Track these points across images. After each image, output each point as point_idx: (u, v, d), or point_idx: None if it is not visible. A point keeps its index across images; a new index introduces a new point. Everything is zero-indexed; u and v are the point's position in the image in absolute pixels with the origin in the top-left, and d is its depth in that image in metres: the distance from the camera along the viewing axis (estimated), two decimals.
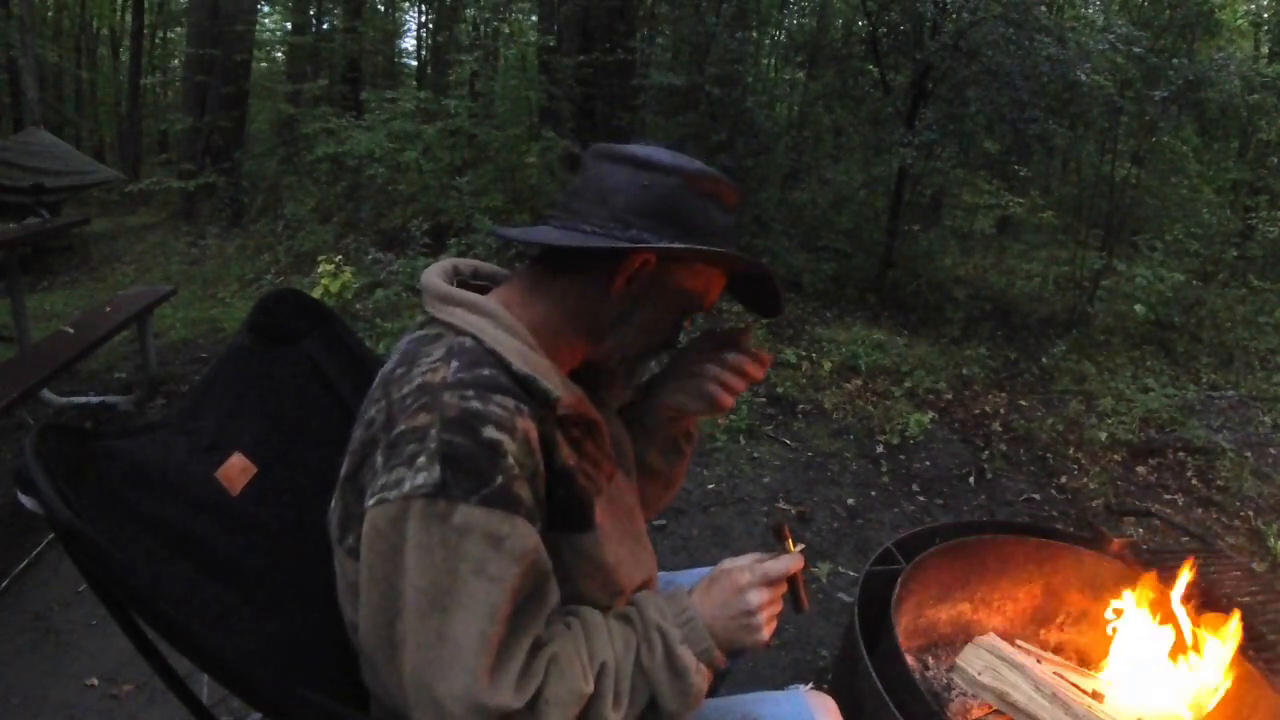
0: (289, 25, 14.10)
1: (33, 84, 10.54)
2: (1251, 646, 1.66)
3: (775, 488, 3.20)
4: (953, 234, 7.74)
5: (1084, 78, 5.47)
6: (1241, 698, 1.53)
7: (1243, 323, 6.34)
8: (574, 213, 0.89)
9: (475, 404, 0.75)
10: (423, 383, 0.78)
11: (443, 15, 14.30)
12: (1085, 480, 3.47)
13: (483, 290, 0.94)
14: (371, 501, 0.76)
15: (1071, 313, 6.06)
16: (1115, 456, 3.74)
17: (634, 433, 1.08)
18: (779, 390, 4.20)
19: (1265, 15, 10.57)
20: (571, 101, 7.17)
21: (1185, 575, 1.67)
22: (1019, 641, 1.86)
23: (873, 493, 3.25)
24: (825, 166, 8.36)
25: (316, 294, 4.51)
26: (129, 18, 14.84)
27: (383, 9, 15.39)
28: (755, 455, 3.47)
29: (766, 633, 0.89)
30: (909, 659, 1.54)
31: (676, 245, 0.85)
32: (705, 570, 1.34)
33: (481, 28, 10.08)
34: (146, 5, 13.64)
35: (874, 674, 1.45)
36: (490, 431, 0.75)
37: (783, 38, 11.09)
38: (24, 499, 0.74)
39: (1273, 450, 3.96)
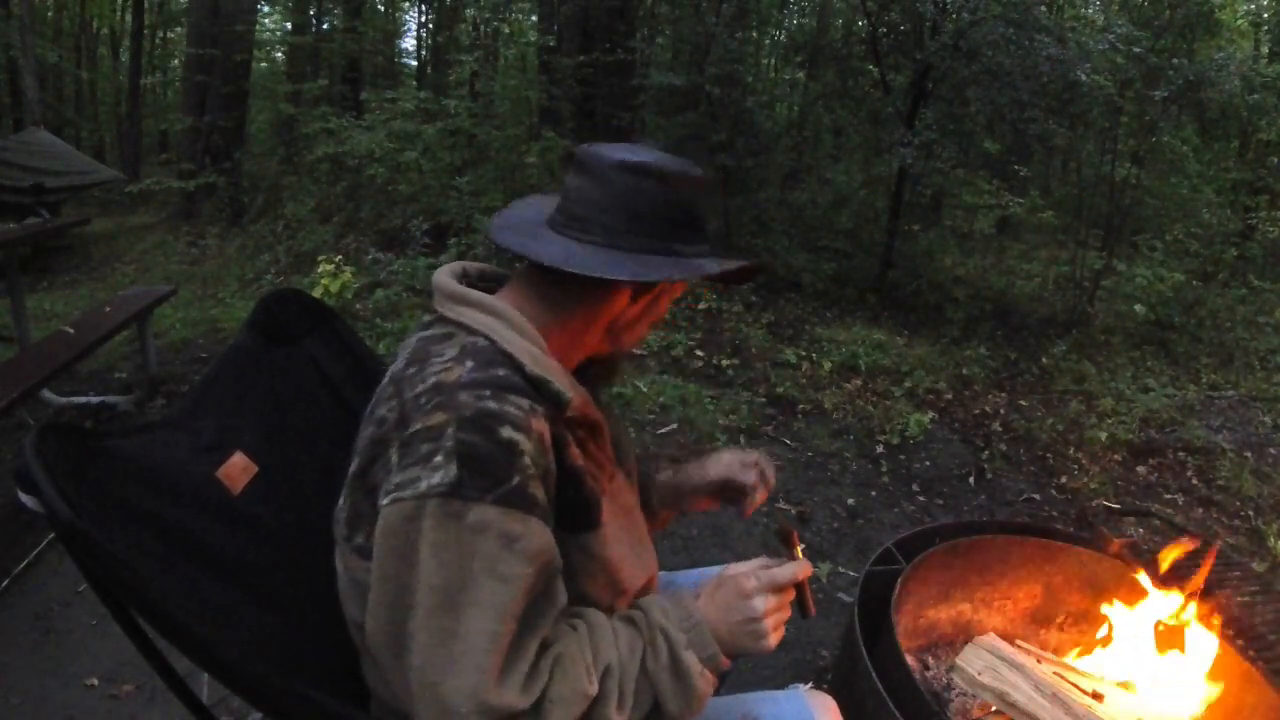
0: (289, 25, 14.12)
1: (33, 84, 10.55)
2: (1251, 646, 1.66)
3: (775, 488, 3.19)
4: (953, 234, 7.74)
5: (1084, 78, 5.47)
6: (1242, 698, 1.53)
7: (1243, 323, 6.34)
8: (577, 219, 0.90)
9: (492, 404, 0.76)
10: (438, 382, 0.79)
11: (443, 15, 14.32)
12: (1085, 480, 3.47)
13: (489, 292, 0.95)
14: (386, 500, 0.76)
15: (1071, 313, 6.05)
16: (1115, 456, 3.74)
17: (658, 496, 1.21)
18: (779, 390, 4.20)
19: (1265, 15, 10.58)
20: (571, 101, 7.17)
21: (1170, 556, 1.67)
22: (1019, 641, 1.86)
23: (873, 493, 3.25)
24: (825, 166, 8.36)
25: (316, 294, 4.50)
26: (129, 18, 14.84)
27: (383, 9, 15.41)
28: None
29: (774, 639, 0.89)
30: (909, 659, 1.54)
31: (695, 274, 0.89)
32: (704, 570, 1.35)
33: (481, 28, 10.08)
34: (146, 5, 13.64)
35: (874, 674, 1.45)
36: (507, 431, 0.75)
37: (783, 38, 11.10)
38: (25, 498, 0.74)
39: (1273, 450, 3.96)
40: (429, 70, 14.49)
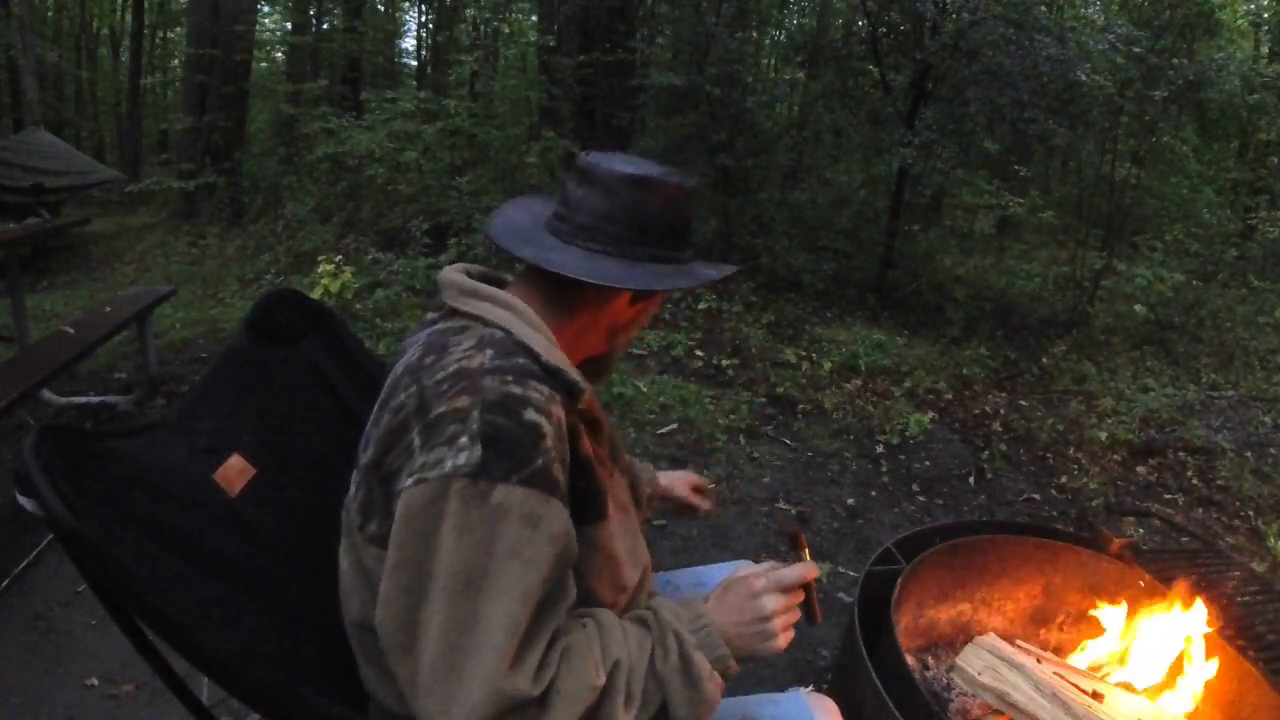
0: (289, 25, 14.10)
1: (33, 84, 10.54)
2: (1251, 646, 1.66)
3: (775, 488, 3.20)
4: (953, 234, 7.73)
5: (1084, 78, 5.47)
6: (1242, 698, 1.53)
7: (1243, 323, 6.34)
8: (584, 229, 0.93)
9: (515, 388, 0.78)
10: (460, 368, 0.80)
11: (443, 15, 14.31)
12: (1085, 480, 3.46)
13: None
14: (409, 481, 0.76)
15: (1071, 313, 6.05)
16: (1115, 456, 3.74)
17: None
18: (779, 390, 4.20)
19: (1265, 15, 10.57)
20: (571, 101, 7.17)
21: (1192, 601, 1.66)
22: (1019, 641, 1.86)
23: (873, 493, 3.25)
24: (825, 166, 8.35)
25: (316, 294, 4.50)
26: (129, 18, 14.83)
27: (383, 9, 15.40)
28: (755, 455, 3.47)
29: (783, 640, 0.90)
30: (909, 659, 1.54)
31: (702, 282, 0.97)
32: (702, 570, 1.35)
33: (481, 28, 10.09)
34: (146, 5, 13.63)
35: (874, 674, 1.45)
36: (531, 414, 0.77)
37: (783, 38, 11.08)
38: (23, 500, 0.74)
39: (1273, 450, 3.96)
40: (429, 70, 14.48)
